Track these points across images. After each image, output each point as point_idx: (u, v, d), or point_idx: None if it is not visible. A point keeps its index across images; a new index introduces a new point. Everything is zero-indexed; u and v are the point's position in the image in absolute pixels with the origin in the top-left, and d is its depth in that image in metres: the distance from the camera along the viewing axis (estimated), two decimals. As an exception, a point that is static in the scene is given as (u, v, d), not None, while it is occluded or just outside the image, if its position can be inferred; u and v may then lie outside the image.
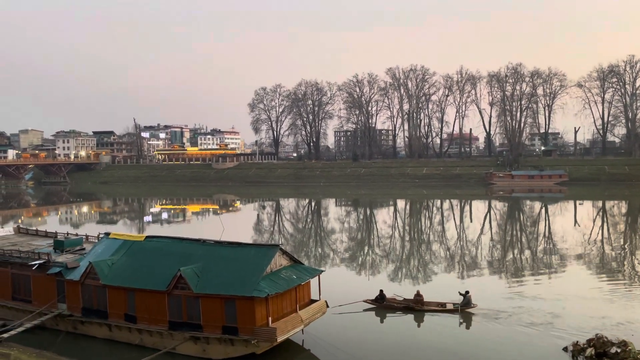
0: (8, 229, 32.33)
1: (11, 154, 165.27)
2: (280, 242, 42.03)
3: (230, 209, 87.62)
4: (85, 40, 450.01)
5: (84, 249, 25.76)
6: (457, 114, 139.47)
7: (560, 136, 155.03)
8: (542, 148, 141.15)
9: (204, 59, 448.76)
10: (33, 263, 23.71)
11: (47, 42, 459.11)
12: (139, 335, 21.12)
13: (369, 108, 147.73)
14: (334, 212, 78.00)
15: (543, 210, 74.76)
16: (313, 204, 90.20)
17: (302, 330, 21.19)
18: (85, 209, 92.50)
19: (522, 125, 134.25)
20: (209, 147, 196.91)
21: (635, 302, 27.20)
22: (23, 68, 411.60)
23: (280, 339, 19.25)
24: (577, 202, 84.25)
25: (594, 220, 62.93)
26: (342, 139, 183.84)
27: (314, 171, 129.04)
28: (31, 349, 20.41)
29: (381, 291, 26.36)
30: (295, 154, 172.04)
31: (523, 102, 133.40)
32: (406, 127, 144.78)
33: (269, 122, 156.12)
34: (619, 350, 18.54)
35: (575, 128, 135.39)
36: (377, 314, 25.44)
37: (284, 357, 20.21)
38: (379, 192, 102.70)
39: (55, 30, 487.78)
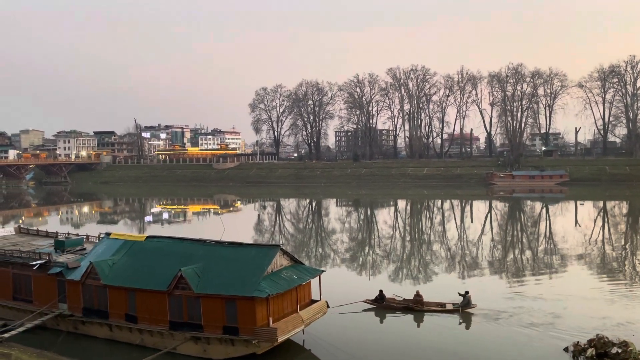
0: (9, 229, 32.35)
1: (12, 154, 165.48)
2: (280, 242, 42.06)
3: (231, 209, 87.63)
4: (85, 40, 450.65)
5: (84, 249, 25.77)
6: (458, 114, 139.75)
7: (561, 136, 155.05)
8: (543, 148, 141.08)
9: (204, 59, 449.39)
10: (34, 263, 23.73)
11: (47, 42, 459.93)
12: (139, 335, 21.13)
13: (370, 108, 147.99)
14: (335, 212, 78.02)
15: (544, 210, 74.71)
16: (314, 204, 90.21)
17: (303, 330, 21.20)
18: (86, 209, 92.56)
19: (522, 125, 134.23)
20: (210, 147, 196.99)
21: (636, 302, 27.19)
22: (23, 68, 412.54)
23: (281, 339, 19.25)
24: (578, 202, 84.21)
25: (595, 221, 62.90)
26: (343, 139, 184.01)
27: (315, 171, 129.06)
28: (32, 349, 20.42)
29: (381, 291, 26.36)
30: (296, 154, 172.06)
31: (524, 102, 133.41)
32: (407, 127, 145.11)
33: (270, 122, 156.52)
34: (619, 351, 18.52)
35: (576, 128, 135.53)
36: (376, 314, 25.43)
37: (284, 357, 20.22)
38: (379, 193, 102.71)
39: (56, 30, 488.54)
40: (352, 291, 27.35)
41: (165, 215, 77.75)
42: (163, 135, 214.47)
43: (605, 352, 18.70)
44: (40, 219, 76.34)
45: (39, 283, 23.89)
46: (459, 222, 63.11)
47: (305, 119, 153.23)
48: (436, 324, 23.80)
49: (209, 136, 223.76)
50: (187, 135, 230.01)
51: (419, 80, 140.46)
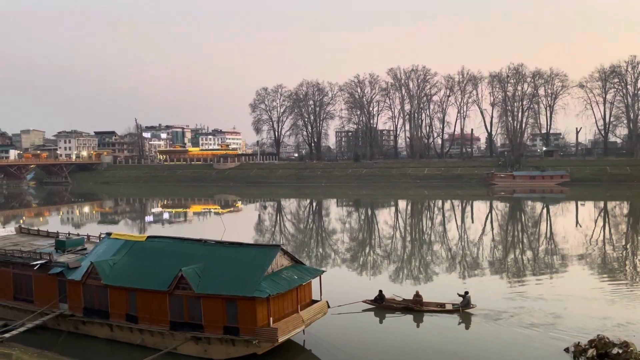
0: (10, 229, 32.38)
1: (13, 154, 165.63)
2: (281, 243, 42.06)
3: (232, 209, 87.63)
4: (85, 40, 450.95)
5: (85, 249, 25.79)
6: (459, 115, 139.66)
7: (561, 137, 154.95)
8: (544, 148, 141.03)
9: (204, 59, 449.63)
10: (35, 263, 23.75)
11: (47, 42, 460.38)
12: (140, 335, 21.14)
13: (370, 108, 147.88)
14: (335, 213, 78.03)
15: (544, 210, 74.67)
16: (314, 204, 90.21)
17: (304, 330, 21.20)
18: (86, 209, 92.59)
19: (523, 125, 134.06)
20: (211, 147, 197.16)
21: (637, 303, 27.18)
22: (24, 68, 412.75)
23: (281, 339, 19.24)
24: (579, 202, 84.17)
25: (596, 221, 62.86)
26: (344, 140, 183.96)
27: (315, 171, 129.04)
28: (33, 349, 20.43)
29: (380, 291, 26.36)
30: (296, 155, 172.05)
31: (524, 103, 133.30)
32: (407, 127, 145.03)
33: (270, 123, 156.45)
34: (620, 351, 18.50)
35: (576, 128, 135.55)
36: (376, 315, 25.43)
37: (285, 357, 20.23)
38: (380, 193, 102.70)
39: (56, 30, 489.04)
40: (352, 291, 27.35)
41: (165, 216, 77.78)
42: (164, 136, 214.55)
43: (606, 353, 18.68)
44: (41, 219, 76.40)
45: (40, 283, 23.91)
46: (459, 223, 63.10)
47: (306, 119, 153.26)
48: (436, 324, 23.79)
49: (210, 136, 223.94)
50: (188, 135, 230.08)
51: (419, 81, 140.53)
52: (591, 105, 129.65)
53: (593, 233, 52.30)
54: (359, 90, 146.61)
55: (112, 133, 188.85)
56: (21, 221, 66.57)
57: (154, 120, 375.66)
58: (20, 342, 21.07)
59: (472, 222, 64.70)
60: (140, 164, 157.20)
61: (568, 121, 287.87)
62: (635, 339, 19.64)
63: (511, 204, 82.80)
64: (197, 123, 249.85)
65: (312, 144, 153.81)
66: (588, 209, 76.78)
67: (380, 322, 24.68)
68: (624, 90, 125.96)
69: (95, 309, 22.31)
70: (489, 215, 70.43)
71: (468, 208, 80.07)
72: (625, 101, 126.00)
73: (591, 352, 18.89)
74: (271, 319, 19.35)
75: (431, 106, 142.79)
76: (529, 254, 42.73)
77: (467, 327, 23.41)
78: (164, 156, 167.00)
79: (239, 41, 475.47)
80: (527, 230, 57.07)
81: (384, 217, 71.27)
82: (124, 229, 57.21)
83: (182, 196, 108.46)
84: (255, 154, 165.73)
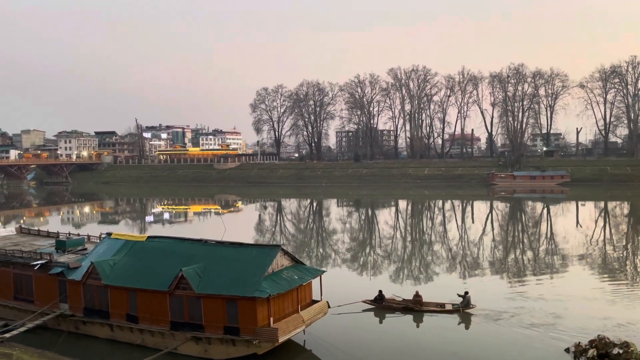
0: (10, 229, 32.37)
1: (13, 154, 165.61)
2: (281, 243, 42.09)
3: (232, 209, 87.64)
4: (85, 40, 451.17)
5: (85, 249, 25.79)
6: (459, 115, 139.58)
7: (562, 137, 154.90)
8: (544, 149, 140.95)
9: (204, 59, 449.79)
10: (35, 263, 23.76)
11: (47, 42, 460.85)
12: (140, 335, 21.14)
13: (371, 108, 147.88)
14: (336, 213, 78.02)
15: (545, 210, 74.65)
16: (314, 204, 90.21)
17: (304, 330, 21.20)
18: (87, 209, 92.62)
19: (524, 125, 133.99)
20: (211, 147, 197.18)
21: (637, 303, 27.17)
22: (24, 68, 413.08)
23: (281, 339, 19.24)
24: (579, 202, 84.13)
25: (596, 221, 62.83)
26: (344, 140, 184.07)
27: (316, 171, 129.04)
28: (33, 349, 20.44)
29: (380, 292, 26.35)
30: (296, 155, 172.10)
31: (525, 103, 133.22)
32: (408, 127, 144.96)
33: (271, 123, 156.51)
34: (621, 352, 18.48)
35: (577, 129, 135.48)
36: (376, 315, 25.42)
37: (285, 357, 20.23)
38: (380, 193, 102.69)
39: (56, 30, 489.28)
40: (352, 291, 27.34)
41: (166, 216, 77.80)
42: (164, 136, 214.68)
43: (606, 353, 18.67)
44: (42, 219, 76.42)
45: (40, 283, 23.92)
46: (459, 223, 63.08)
47: (306, 119, 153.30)
48: (436, 324, 23.79)
49: (210, 136, 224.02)
50: (188, 135, 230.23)
51: (419, 81, 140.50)
52: (591, 106, 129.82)
53: (593, 233, 52.29)
54: (359, 90, 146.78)
55: (113, 133, 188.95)
56: (21, 221, 66.59)
57: (154, 120, 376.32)
58: (20, 342, 21.07)
59: (473, 222, 64.68)
60: (141, 164, 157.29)
61: (568, 121, 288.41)
62: (635, 339, 19.62)
63: (511, 204, 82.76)
64: (198, 123, 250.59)
65: (313, 144, 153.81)
66: (588, 209, 76.75)
67: (380, 322, 24.67)
68: (625, 91, 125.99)
69: (95, 309, 22.31)
70: (489, 215, 70.41)
71: (468, 208, 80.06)
72: (626, 101, 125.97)
73: (592, 352, 18.88)
74: (271, 319, 19.35)
75: (431, 106, 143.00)
76: (529, 254, 42.71)
77: (467, 328, 23.40)
78: (165, 156, 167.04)
79: (239, 41, 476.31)
80: (527, 230, 57.05)
81: (384, 217, 71.26)
82: (125, 229, 57.22)
83: (182, 196, 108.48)
84: (255, 154, 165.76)
